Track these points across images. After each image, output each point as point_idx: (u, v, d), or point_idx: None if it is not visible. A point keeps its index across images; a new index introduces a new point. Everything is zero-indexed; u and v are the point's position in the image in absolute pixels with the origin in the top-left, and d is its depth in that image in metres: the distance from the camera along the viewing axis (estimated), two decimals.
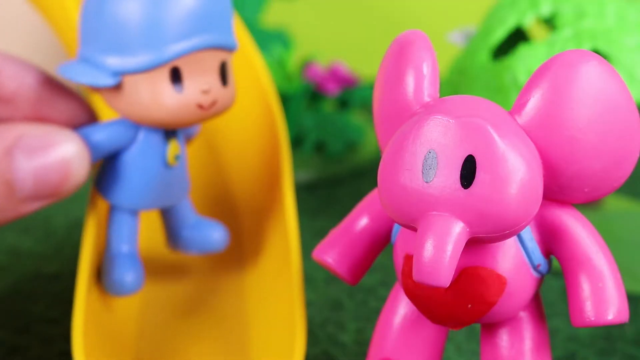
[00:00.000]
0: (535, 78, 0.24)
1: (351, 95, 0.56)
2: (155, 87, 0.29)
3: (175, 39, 0.29)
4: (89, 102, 0.32)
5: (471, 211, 0.23)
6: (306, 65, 0.57)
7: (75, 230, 0.43)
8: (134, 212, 0.32)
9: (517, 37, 0.42)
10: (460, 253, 0.23)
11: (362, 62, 0.64)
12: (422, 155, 0.23)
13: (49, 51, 0.75)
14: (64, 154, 0.29)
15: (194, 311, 0.27)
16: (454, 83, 0.42)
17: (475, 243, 0.24)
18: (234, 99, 0.31)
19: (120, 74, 0.29)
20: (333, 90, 0.55)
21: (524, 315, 0.26)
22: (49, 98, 0.31)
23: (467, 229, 0.23)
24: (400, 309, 0.28)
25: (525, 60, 0.37)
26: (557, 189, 0.24)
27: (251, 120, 0.39)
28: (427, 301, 0.26)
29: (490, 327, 0.27)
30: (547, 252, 0.26)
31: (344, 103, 0.56)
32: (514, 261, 0.25)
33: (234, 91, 0.31)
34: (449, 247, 0.22)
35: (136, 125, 0.31)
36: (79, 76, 0.29)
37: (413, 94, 0.25)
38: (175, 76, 0.29)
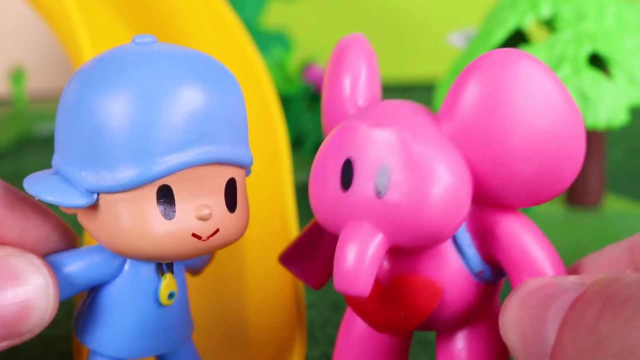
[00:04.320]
0: (460, 81, 0.22)
1: None
2: (138, 212, 0.23)
3: (167, 150, 0.22)
4: (66, 223, 0.26)
5: (387, 221, 0.22)
6: (306, 66, 0.57)
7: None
8: None
9: (517, 39, 0.42)
10: (378, 263, 0.22)
11: None
12: (340, 164, 0.23)
13: (49, 52, 0.75)
14: (25, 290, 0.23)
15: (193, 313, 0.27)
16: None
17: (407, 250, 0.23)
18: (245, 227, 0.25)
19: (96, 192, 0.23)
20: None
21: (478, 320, 0.25)
22: (9, 215, 0.25)
23: (386, 239, 0.22)
24: None
25: None
26: (491, 195, 0.23)
27: (251, 121, 0.39)
28: (362, 309, 0.25)
29: (444, 333, 0.26)
30: (491, 258, 0.24)
31: None
32: (451, 269, 0.24)
33: (244, 218, 0.25)
34: (367, 257, 0.22)
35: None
36: (45, 192, 0.23)
37: (348, 98, 0.25)
38: (165, 197, 0.23)
